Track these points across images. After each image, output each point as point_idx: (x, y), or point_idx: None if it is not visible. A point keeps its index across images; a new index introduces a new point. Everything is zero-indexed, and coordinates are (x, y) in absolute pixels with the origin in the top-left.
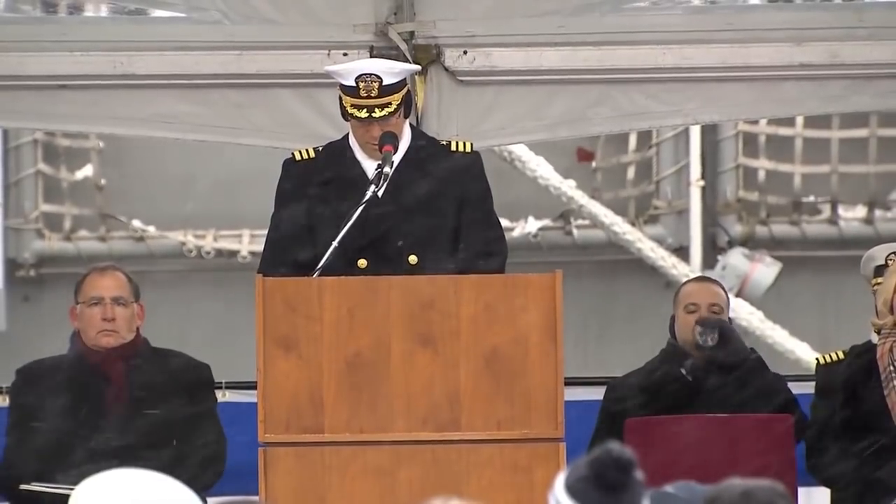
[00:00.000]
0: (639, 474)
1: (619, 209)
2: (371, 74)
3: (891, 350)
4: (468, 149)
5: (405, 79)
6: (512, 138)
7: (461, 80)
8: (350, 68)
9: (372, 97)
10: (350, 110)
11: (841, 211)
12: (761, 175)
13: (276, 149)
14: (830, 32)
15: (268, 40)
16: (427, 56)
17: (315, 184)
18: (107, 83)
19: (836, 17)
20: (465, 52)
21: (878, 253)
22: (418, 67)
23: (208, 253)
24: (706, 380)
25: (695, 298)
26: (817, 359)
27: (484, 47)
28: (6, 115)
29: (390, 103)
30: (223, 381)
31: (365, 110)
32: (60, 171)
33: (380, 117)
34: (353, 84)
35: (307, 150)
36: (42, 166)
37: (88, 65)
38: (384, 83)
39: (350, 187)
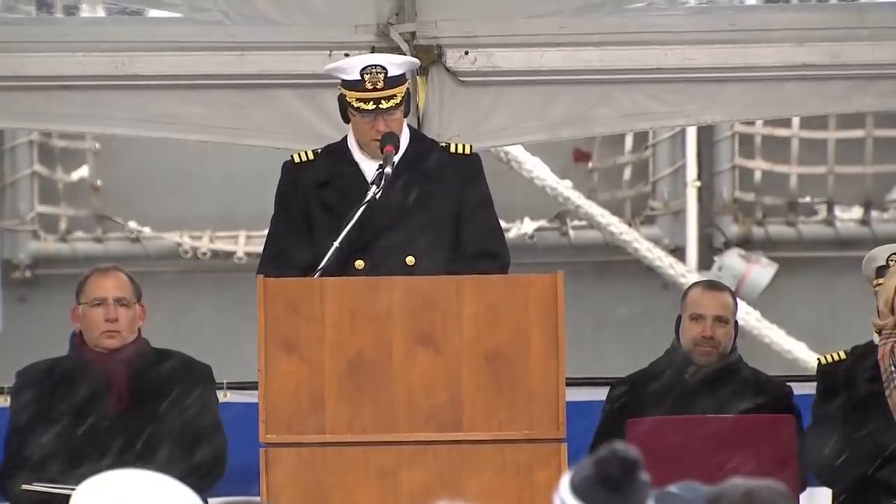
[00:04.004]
0: (644, 474)
1: (616, 210)
2: (376, 66)
3: (892, 351)
4: (468, 151)
5: (406, 73)
6: (513, 139)
7: (462, 81)
8: (353, 62)
9: (378, 89)
10: (356, 104)
11: (837, 212)
12: (757, 176)
13: (277, 149)
14: (832, 33)
15: (269, 41)
16: (428, 56)
17: (314, 186)
18: (108, 84)
19: (838, 18)
20: (466, 53)
21: (880, 254)
22: (417, 61)
23: (204, 254)
24: (709, 384)
25: (701, 308)
26: (819, 359)
27: (485, 48)
28: (7, 116)
29: (395, 95)
30: (225, 381)
31: (372, 102)
32: (56, 173)
33: (386, 109)
34: (358, 77)
35: (306, 153)
36: (38, 167)
37: (90, 65)
38: (389, 74)
39: (349, 189)
